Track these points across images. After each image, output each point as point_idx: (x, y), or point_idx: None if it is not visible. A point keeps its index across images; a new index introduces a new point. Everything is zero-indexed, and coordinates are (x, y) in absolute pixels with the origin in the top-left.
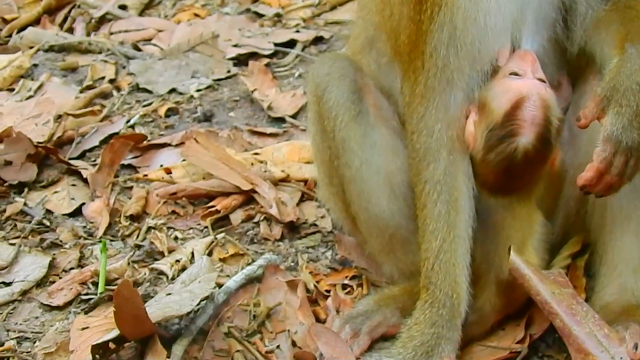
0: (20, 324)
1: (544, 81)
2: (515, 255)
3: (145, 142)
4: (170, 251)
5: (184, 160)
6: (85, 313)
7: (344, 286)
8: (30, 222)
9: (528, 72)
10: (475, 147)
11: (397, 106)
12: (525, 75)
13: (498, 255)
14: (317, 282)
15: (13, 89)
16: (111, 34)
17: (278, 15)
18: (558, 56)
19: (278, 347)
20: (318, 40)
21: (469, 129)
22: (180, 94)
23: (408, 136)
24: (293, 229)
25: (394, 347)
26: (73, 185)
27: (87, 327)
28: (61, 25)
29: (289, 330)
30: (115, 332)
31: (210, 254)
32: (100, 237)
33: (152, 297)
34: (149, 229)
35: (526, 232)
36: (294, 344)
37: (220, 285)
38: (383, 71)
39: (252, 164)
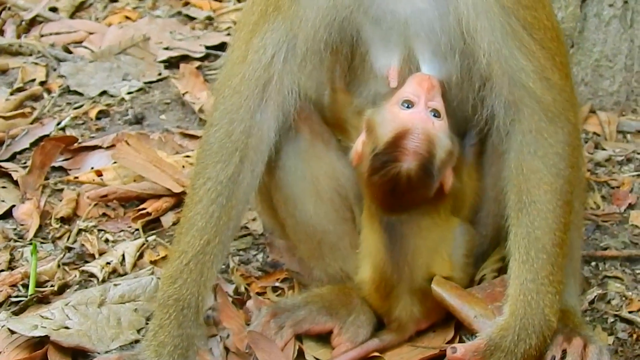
0: None
1: (437, 111)
2: (435, 285)
3: (76, 144)
4: (101, 253)
5: (114, 162)
6: (15, 315)
7: (275, 288)
8: None
9: (421, 101)
10: (362, 166)
11: (320, 109)
12: (417, 105)
13: (407, 264)
14: (249, 284)
15: None
16: (42, 36)
17: (209, 18)
18: (467, 89)
19: (210, 350)
20: None
21: (356, 148)
22: (111, 96)
23: (206, 127)
24: None
25: (147, 358)
26: (3, 187)
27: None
28: None
29: (220, 337)
30: (40, 332)
31: (141, 256)
32: (31, 239)
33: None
34: (80, 231)
35: (437, 240)
36: (226, 349)
37: None
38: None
39: (184, 167)
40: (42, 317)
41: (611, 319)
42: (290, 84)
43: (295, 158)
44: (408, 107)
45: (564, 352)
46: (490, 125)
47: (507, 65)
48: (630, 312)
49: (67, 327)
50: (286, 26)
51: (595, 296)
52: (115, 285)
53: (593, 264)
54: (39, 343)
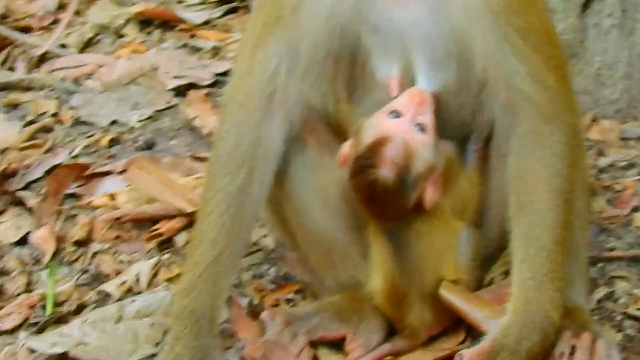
0: None
1: (423, 125)
2: (443, 289)
3: (88, 171)
4: (117, 273)
5: (127, 186)
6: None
7: (288, 300)
8: None
9: (408, 113)
10: (346, 168)
11: (326, 119)
12: (404, 116)
13: (416, 271)
14: (262, 297)
15: None
16: (52, 71)
17: (216, 48)
18: (465, 95)
19: None
20: None
21: (343, 149)
22: (122, 125)
23: (215, 140)
24: None
25: None
26: (19, 215)
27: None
28: (2, 64)
29: (235, 347)
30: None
31: (156, 274)
32: (47, 264)
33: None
34: (95, 253)
35: (441, 244)
36: (242, 359)
37: None
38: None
39: (195, 187)
40: (61, 334)
41: (619, 317)
42: (294, 94)
43: (303, 169)
44: (395, 117)
45: (573, 347)
46: (491, 129)
47: (503, 70)
48: (637, 309)
49: (85, 343)
50: (288, 37)
51: (602, 295)
52: (131, 301)
53: (599, 265)
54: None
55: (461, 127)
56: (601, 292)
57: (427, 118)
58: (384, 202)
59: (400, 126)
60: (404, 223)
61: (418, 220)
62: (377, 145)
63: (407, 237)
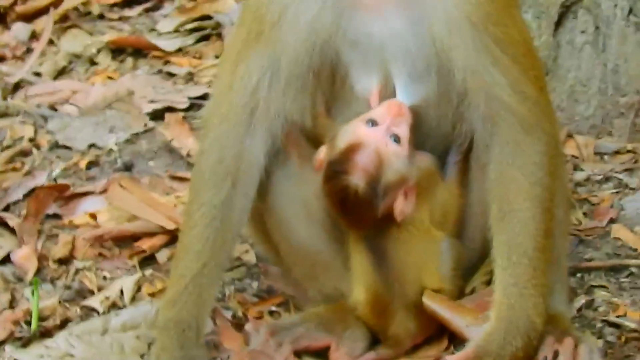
0: None
1: (397, 137)
2: (426, 298)
3: (68, 191)
4: (100, 289)
5: (108, 204)
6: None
7: (272, 312)
8: None
9: (384, 124)
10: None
11: (307, 133)
12: (380, 126)
13: (397, 280)
14: (246, 310)
15: None
16: (27, 97)
17: (190, 73)
18: (446, 107)
19: None
20: None
21: (319, 154)
22: (99, 148)
23: (197, 156)
24: None
25: None
26: (0, 236)
27: None
28: None
29: (220, 358)
30: None
31: (139, 289)
32: (31, 281)
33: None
34: (77, 270)
35: (421, 253)
36: None
37: None
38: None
39: (175, 206)
40: (47, 347)
41: (599, 324)
42: (276, 108)
43: (285, 182)
44: (372, 125)
45: (556, 352)
46: (471, 140)
47: (482, 81)
48: (617, 317)
49: (71, 355)
50: (269, 52)
51: (582, 304)
52: (116, 315)
53: (578, 275)
54: None
55: (442, 139)
56: (581, 300)
57: (403, 130)
58: (354, 208)
59: (375, 135)
60: (384, 233)
61: (398, 230)
62: (350, 152)
63: (386, 247)
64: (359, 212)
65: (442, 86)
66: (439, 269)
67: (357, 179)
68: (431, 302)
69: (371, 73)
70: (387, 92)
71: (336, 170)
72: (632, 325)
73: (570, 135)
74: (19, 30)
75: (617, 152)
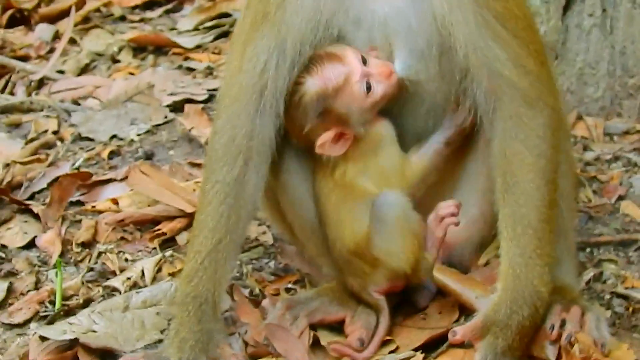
0: None
1: (370, 89)
2: (436, 272)
3: (91, 179)
4: (122, 270)
5: (130, 190)
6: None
7: (288, 289)
8: None
9: (371, 70)
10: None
11: None
12: (367, 67)
13: (334, 236)
14: (263, 287)
15: None
16: (51, 93)
17: (209, 68)
18: (449, 83)
19: (230, 345)
20: None
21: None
22: (121, 139)
23: (210, 136)
24: None
25: (170, 355)
26: (25, 222)
27: (46, 339)
28: (2, 91)
29: (238, 333)
30: (69, 336)
31: (159, 270)
32: (54, 264)
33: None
34: (100, 253)
35: (344, 210)
36: (245, 343)
37: None
38: None
39: (194, 190)
40: (70, 323)
41: (607, 296)
42: (283, 87)
43: (297, 160)
44: (360, 60)
45: (563, 320)
46: (475, 115)
47: (484, 56)
48: (626, 289)
49: (94, 331)
50: (275, 33)
51: (591, 277)
52: (137, 292)
53: (588, 250)
54: (69, 347)
55: (442, 116)
56: (590, 273)
57: (379, 89)
58: (292, 107)
59: (356, 67)
60: (323, 190)
61: (326, 179)
62: (327, 58)
63: (322, 203)
64: (294, 112)
65: (444, 62)
66: (355, 227)
67: (311, 83)
68: (442, 276)
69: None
70: None
71: (306, 67)
72: None
73: (580, 117)
74: (43, 31)
75: (626, 133)
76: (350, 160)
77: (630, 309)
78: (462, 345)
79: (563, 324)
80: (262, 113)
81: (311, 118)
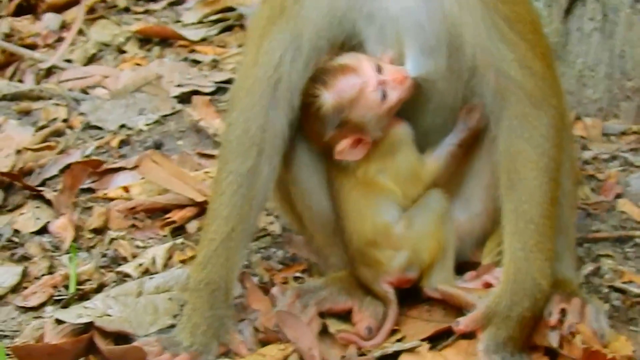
0: None
1: (386, 95)
2: (440, 285)
3: (102, 167)
4: (134, 256)
5: (141, 178)
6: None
7: (296, 278)
8: None
9: (384, 77)
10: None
11: None
12: (382, 75)
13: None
14: (272, 276)
15: None
16: (60, 82)
17: (214, 61)
18: (457, 81)
19: (241, 332)
20: None
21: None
22: (130, 128)
23: (224, 127)
24: None
25: (183, 340)
26: (37, 207)
27: (61, 322)
28: (11, 78)
29: (249, 319)
30: (85, 319)
31: (170, 257)
32: (68, 249)
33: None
34: (112, 240)
35: (362, 205)
36: (255, 330)
37: None
38: None
39: (204, 180)
40: (85, 307)
41: (605, 290)
42: (297, 81)
43: (308, 153)
44: (375, 69)
45: (564, 310)
46: (478, 130)
47: (491, 57)
48: (623, 283)
49: (109, 315)
50: (291, 27)
51: (589, 271)
52: (150, 278)
53: (586, 245)
54: (84, 331)
55: (450, 114)
56: (588, 268)
57: (394, 95)
58: (310, 118)
59: (370, 76)
60: (344, 187)
61: (351, 184)
62: (341, 71)
63: (340, 193)
64: (312, 123)
65: (453, 61)
66: (376, 220)
67: (327, 96)
68: (443, 287)
69: (386, 46)
70: (400, 65)
71: (320, 77)
72: (637, 291)
73: (578, 118)
74: (50, 20)
75: (623, 133)
76: (371, 160)
77: (628, 303)
78: (466, 336)
79: (564, 313)
80: (275, 106)
81: (329, 129)
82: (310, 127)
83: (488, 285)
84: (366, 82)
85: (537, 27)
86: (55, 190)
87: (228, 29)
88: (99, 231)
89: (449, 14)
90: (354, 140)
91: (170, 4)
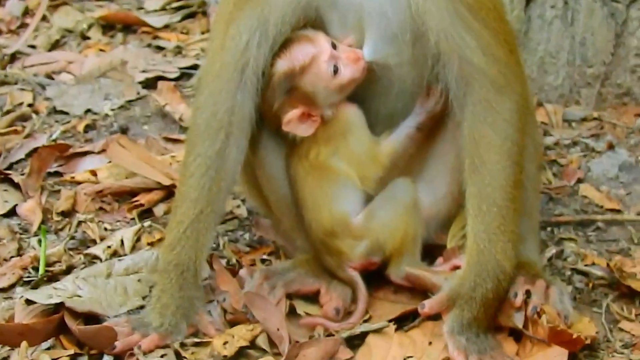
0: None
1: (337, 72)
2: (408, 267)
3: (69, 151)
4: (102, 239)
5: (108, 162)
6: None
7: (263, 260)
8: None
9: (339, 53)
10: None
11: None
12: (337, 50)
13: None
14: (239, 258)
15: None
16: (24, 67)
17: (178, 47)
18: (421, 68)
19: (209, 312)
20: None
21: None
22: (96, 113)
23: (192, 111)
24: None
25: (152, 320)
26: (5, 190)
27: (32, 302)
28: None
29: (217, 300)
30: (55, 300)
31: (138, 239)
32: (36, 232)
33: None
34: (80, 222)
35: (318, 191)
36: (224, 310)
37: None
38: None
39: (171, 164)
40: (55, 288)
41: (568, 272)
42: (264, 66)
43: (274, 138)
44: (330, 44)
45: (528, 291)
46: (446, 99)
47: (455, 44)
48: (585, 265)
49: (79, 296)
50: (257, 13)
51: (552, 254)
52: (119, 260)
53: (549, 229)
54: (55, 311)
55: (414, 99)
56: (552, 251)
57: (346, 72)
58: (265, 91)
59: (324, 49)
60: (299, 173)
61: (305, 169)
62: (297, 41)
63: (298, 186)
64: (264, 94)
65: (417, 48)
66: (333, 210)
67: (281, 63)
68: (410, 269)
69: (349, 32)
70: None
71: (278, 51)
72: (599, 273)
73: (540, 104)
74: (13, 6)
75: (584, 120)
76: (322, 143)
77: (590, 285)
78: (432, 317)
79: (528, 294)
80: (243, 90)
81: (279, 96)
82: (264, 99)
83: (456, 268)
84: (320, 52)
85: (500, 15)
86: (22, 174)
87: (191, 15)
88: (67, 214)
89: (413, 2)
90: (302, 113)
91: None
